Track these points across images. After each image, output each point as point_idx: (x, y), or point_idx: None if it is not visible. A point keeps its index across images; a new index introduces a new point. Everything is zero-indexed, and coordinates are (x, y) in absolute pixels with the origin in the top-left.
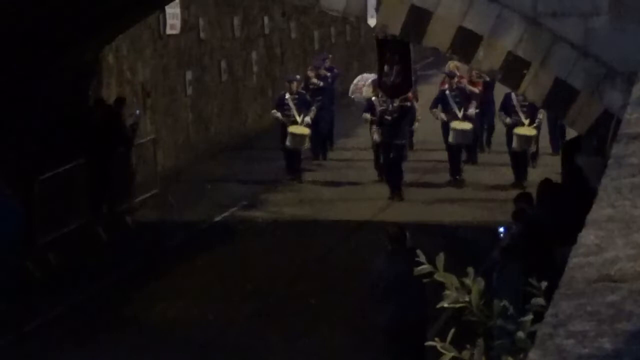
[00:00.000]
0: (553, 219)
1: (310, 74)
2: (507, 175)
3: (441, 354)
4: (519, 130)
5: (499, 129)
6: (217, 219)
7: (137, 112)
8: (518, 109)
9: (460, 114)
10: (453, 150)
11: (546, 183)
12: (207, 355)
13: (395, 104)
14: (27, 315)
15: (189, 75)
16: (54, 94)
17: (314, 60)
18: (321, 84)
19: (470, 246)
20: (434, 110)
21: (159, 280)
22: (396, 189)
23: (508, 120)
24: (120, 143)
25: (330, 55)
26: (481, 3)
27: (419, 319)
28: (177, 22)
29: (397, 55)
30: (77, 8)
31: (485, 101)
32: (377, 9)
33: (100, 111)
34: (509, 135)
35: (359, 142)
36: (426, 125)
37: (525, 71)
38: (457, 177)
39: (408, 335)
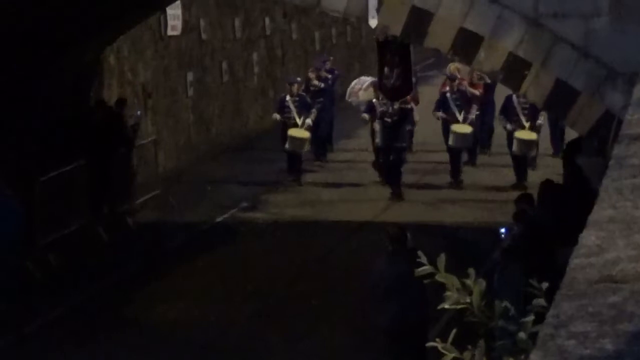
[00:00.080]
0: (554, 220)
1: (311, 75)
2: (507, 176)
3: (442, 355)
4: (520, 135)
5: (500, 131)
6: (218, 219)
7: (138, 112)
8: (519, 111)
9: (460, 117)
10: (453, 153)
11: (547, 184)
12: (208, 356)
13: (395, 107)
14: (27, 316)
15: (190, 76)
16: (54, 95)
17: (314, 62)
18: (322, 85)
19: (471, 247)
20: (437, 112)
21: (160, 281)
22: (396, 191)
23: (508, 126)
24: (121, 144)
25: (332, 57)
26: (482, 4)
27: (420, 320)
28: (178, 23)
29: (398, 58)
30: (77, 8)
31: (485, 103)
32: (378, 10)
33: (101, 112)
34: (510, 138)
35: (360, 144)
36: (426, 127)
37: (526, 72)
38: (457, 179)
39: (409, 336)
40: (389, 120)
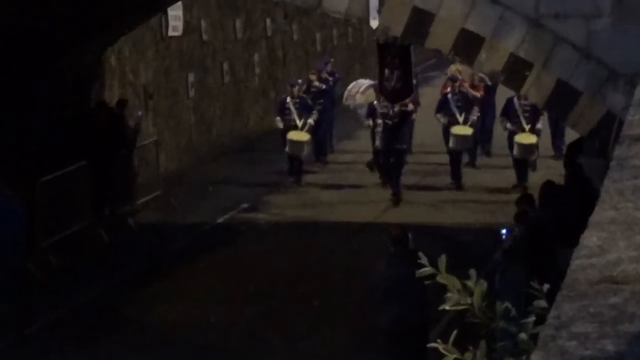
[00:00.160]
0: (555, 220)
1: (312, 77)
2: (508, 177)
3: (443, 356)
4: (520, 139)
5: (500, 133)
6: (219, 220)
7: (139, 113)
8: (520, 113)
9: (461, 119)
10: (453, 155)
11: (548, 185)
12: (209, 356)
13: (396, 109)
14: (28, 317)
15: (191, 77)
16: (55, 95)
17: (316, 64)
18: (323, 87)
19: (471, 248)
20: (439, 115)
21: (161, 282)
22: (395, 194)
23: (508, 125)
24: (122, 145)
25: (332, 59)
26: (483, 5)
27: (421, 321)
28: (180, 24)
29: (398, 60)
30: (78, 9)
31: (486, 105)
32: (379, 11)
33: (102, 113)
34: (510, 140)
35: (360, 145)
36: (426, 128)
37: (527, 73)
38: (458, 181)
39: (410, 337)
40: (389, 122)
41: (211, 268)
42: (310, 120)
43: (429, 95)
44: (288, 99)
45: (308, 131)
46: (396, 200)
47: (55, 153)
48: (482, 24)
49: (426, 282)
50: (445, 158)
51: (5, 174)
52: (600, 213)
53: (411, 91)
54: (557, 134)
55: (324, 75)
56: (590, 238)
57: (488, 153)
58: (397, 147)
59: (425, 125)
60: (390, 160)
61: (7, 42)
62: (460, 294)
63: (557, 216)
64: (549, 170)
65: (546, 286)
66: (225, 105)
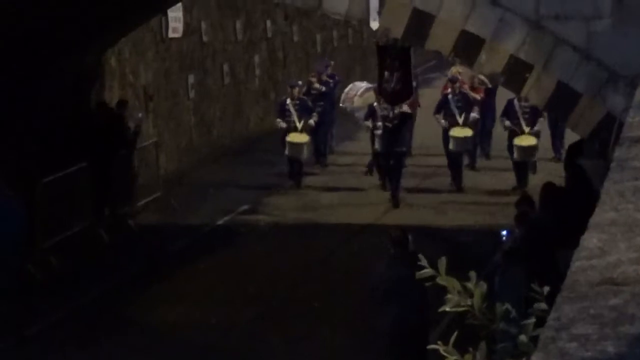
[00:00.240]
0: (556, 222)
1: (313, 79)
2: (507, 179)
3: (443, 358)
4: (520, 142)
5: (500, 134)
6: (219, 222)
7: (140, 115)
8: (520, 115)
9: (460, 120)
10: (453, 157)
11: (549, 186)
12: (209, 357)
13: (396, 111)
14: (28, 318)
15: (191, 79)
16: (56, 96)
17: (316, 66)
18: (323, 89)
19: (471, 250)
20: (438, 115)
21: (161, 283)
22: (394, 197)
23: (507, 123)
24: (122, 146)
25: (332, 62)
26: (483, 6)
27: (421, 322)
28: (180, 26)
29: (398, 62)
30: (78, 9)
31: (486, 108)
32: (379, 13)
33: (102, 114)
34: (510, 144)
35: (360, 147)
36: (426, 130)
37: (527, 74)
38: (459, 183)
39: (410, 338)
40: (389, 124)
41: (211, 269)
42: (311, 122)
43: (429, 96)
44: (288, 101)
45: (308, 133)
46: (395, 202)
47: (55, 154)
48: (482, 26)
49: (426, 284)
50: (445, 160)
51: (5, 174)
52: (601, 214)
53: (411, 93)
54: (556, 135)
55: (324, 77)
56: (590, 239)
57: (487, 155)
58: (397, 150)
59: (425, 127)
60: (390, 162)
61: (7, 42)
62: (461, 296)
63: (558, 218)
64: (549, 172)
65: (546, 288)
66: (226, 107)
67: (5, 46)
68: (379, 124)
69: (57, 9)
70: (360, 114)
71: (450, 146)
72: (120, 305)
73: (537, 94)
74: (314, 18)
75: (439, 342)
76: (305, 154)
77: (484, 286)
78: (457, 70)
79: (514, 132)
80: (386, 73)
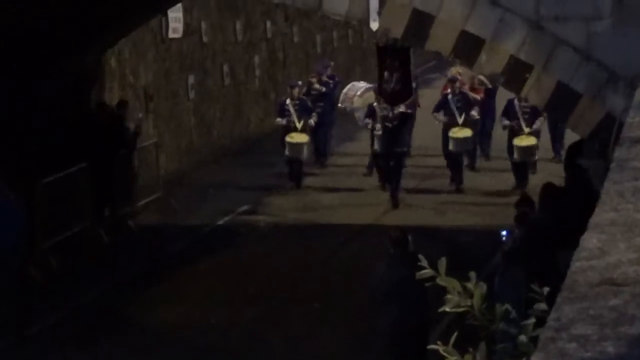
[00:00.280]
0: (555, 222)
1: (313, 79)
2: (507, 180)
3: (443, 358)
4: (519, 142)
5: (500, 135)
6: (220, 222)
7: (140, 115)
8: (520, 115)
9: (460, 120)
10: (453, 158)
11: (549, 187)
12: (209, 358)
13: (395, 111)
14: (28, 318)
15: (191, 79)
16: (56, 97)
17: (316, 67)
18: (323, 89)
19: (471, 251)
20: (436, 114)
21: (161, 283)
22: (394, 198)
23: (507, 122)
24: (122, 146)
25: (332, 63)
26: (483, 7)
27: (421, 323)
28: (180, 26)
29: (397, 62)
30: (78, 9)
31: (486, 108)
32: (379, 13)
33: (102, 114)
34: (510, 145)
35: (360, 148)
36: (425, 131)
37: (527, 75)
38: (459, 184)
39: (410, 339)
40: (389, 124)
41: (211, 270)
42: (311, 122)
43: (429, 97)
44: (288, 101)
45: (307, 133)
46: (395, 203)
47: (55, 154)
48: (482, 26)
49: (426, 284)
50: (445, 161)
51: (5, 174)
52: (601, 215)
53: (410, 93)
54: (556, 136)
55: (324, 78)
56: (590, 240)
57: (487, 156)
58: (397, 150)
59: (425, 128)
60: (389, 163)
61: (7, 42)
62: (460, 296)
63: (557, 218)
64: (549, 172)
65: (546, 289)
66: (226, 107)
67: (5, 46)
68: (378, 125)
69: (57, 9)
70: (360, 114)
71: (450, 147)
72: (120, 306)
73: (537, 95)
74: (314, 19)
75: (438, 343)
76: (305, 154)
77: (483, 287)
78: (457, 70)
79: (513, 133)
80: (386, 73)
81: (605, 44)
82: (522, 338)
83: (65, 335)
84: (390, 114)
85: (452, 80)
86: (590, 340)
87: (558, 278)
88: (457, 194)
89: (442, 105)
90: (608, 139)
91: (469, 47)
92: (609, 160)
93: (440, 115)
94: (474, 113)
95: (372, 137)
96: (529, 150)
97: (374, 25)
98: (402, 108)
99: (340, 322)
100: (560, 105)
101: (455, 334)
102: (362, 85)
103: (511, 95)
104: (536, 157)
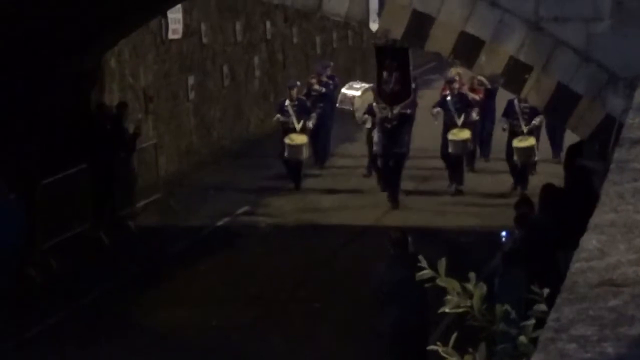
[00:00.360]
0: (555, 223)
1: (312, 80)
2: (506, 181)
3: (443, 359)
4: (518, 143)
5: (499, 138)
6: (219, 224)
7: (139, 117)
8: (519, 115)
9: (459, 121)
10: (453, 159)
11: (548, 188)
12: (210, 359)
13: (395, 111)
14: (28, 319)
15: (191, 80)
16: (55, 98)
17: (316, 67)
18: (323, 90)
19: (471, 252)
20: (435, 110)
21: (162, 284)
22: (393, 198)
23: (505, 125)
24: (122, 148)
25: (332, 63)
26: (483, 8)
27: (421, 324)
28: (179, 27)
29: (396, 63)
30: (78, 10)
31: (486, 109)
32: (379, 14)
33: (102, 116)
34: (509, 146)
35: (360, 149)
36: (425, 132)
37: (527, 76)
38: (459, 184)
39: (410, 339)
40: (388, 125)
41: (211, 271)
42: (309, 124)
43: (429, 98)
44: (287, 102)
45: (306, 134)
46: (395, 204)
47: (55, 155)
48: (481, 27)
49: (426, 285)
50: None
51: (5, 175)
52: (600, 216)
53: (409, 94)
54: (555, 137)
55: (324, 78)
56: (590, 241)
57: (487, 157)
58: (396, 151)
59: (425, 129)
60: (389, 164)
61: (7, 42)
62: (460, 297)
63: (557, 219)
64: (549, 173)
65: (546, 290)
66: (226, 108)
67: (5, 46)
68: (375, 130)
69: (57, 9)
70: (360, 114)
71: (449, 149)
72: (121, 307)
73: (537, 96)
74: (313, 20)
75: (438, 343)
76: (305, 155)
77: (483, 287)
78: (456, 71)
79: (513, 134)
80: (384, 74)
81: (605, 45)
82: (522, 339)
83: (65, 336)
84: (389, 115)
85: (450, 82)
86: (590, 341)
87: (558, 279)
88: (457, 195)
89: (441, 106)
90: (608, 140)
91: (468, 48)
92: (608, 162)
93: (438, 114)
94: (474, 114)
95: (369, 138)
96: (528, 151)
97: (374, 26)
98: (401, 108)
99: (340, 323)
100: (560, 107)
101: (455, 334)
102: (358, 85)
103: (511, 96)
104: (536, 158)
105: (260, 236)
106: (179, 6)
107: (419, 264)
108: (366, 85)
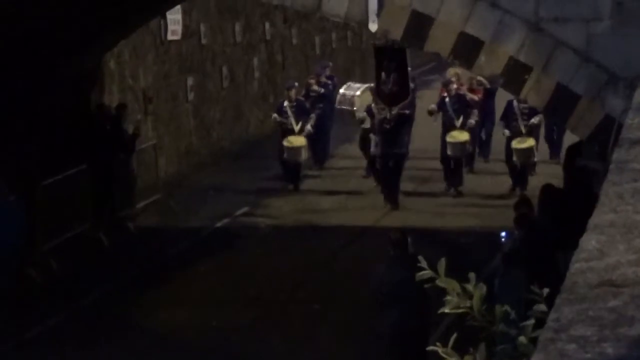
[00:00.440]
0: (555, 224)
1: (311, 81)
2: (506, 182)
3: (443, 359)
4: (517, 144)
5: (499, 138)
6: (219, 224)
7: (139, 117)
8: (519, 117)
9: (458, 123)
10: (452, 160)
11: (548, 188)
12: None
13: (393, 112)
14: (28, 320)
15: (190, 81)
16: (55, 99)
17: (315, 68)
18: (322, 91)
19: (471, 252)
20: (431, 106)
21: (161, 285)
22: (393, 199)
23: (507, 132)
24: (121, 149)
25: (331, 64)
26: (483, 9)
27: (420, 324)
28: (179, 28)
29: (394, 63)
30: (78, 10)
31: (485, 109)
32: (378, 15)
33: (101, 117)
34: (508, 148)
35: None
36: (424, 132)
37: (526, 76)
38: (458, 185)
39: (410, 340)
40: (387, 126)
41: (211, 272)
42: (308, 126)
43: (428, 98)
44: (286, 103)
45: (305, 135)
46: (394, 205)
47: (55, 156)
48: (481, 28)
49: (426, 286)
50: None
51: (5, 176)
52: (600, 216)
53: (408, 94)
54: (553, 138)
55: (323, 79)
56: (589, 241)
57: (487, 158)
58: (396, 152)
59: (424, 130)
60: (388, 165)
61: (7, 42)
62: (460, 297)
63: (557, 219)
64: (548, 174)
65: (546, 290)
66: (225, 109)
67: (5, 46)
68: (377, 126)
69: (57, 9)
70: (361, 114)
71: (448, 151)
72: (120, 308)
73: (537, 96)
74: (313, 20)
75: (438, 344)
76: (303, 157)
77: (483, 288)
78: (455, 71)
79: (512, 135)
80: (383, 75)
81: (604, 46)
82: (522, 339)
83: (65, 337)
84: (388, 115)
85: (446, 84)
86: (589, 342)
87: (557, 279)
88: (457, 196)
89: (440, 108)
90: (607, 141)
91: (468, 49)
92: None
93: (432, 107)
94: (472, 121)
95: (363, 139)
96: (527, 152)
97: (373, 27)
98: (399, 109)
99: (340, 324)
100: (560, 107)
101: (455, 335)
102: (356, 86)
103: (511, 96)
104: (535, 159)
105: (259, 237)
106: (178, 7)
107: (418, 265)
108: (364, 86)
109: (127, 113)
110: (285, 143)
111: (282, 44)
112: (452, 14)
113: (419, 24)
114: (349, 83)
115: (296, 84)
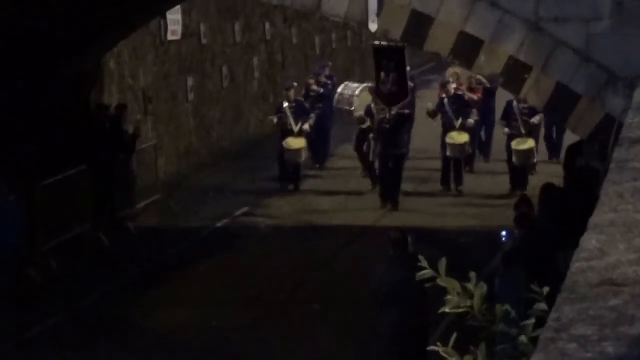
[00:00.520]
0: (555, 223)
1: (311, 81)
2: (506, 182)
3: (444, 359)
4: (517, 145)
5: (499, 138)
6: (219, 225)
7: (139, 118)
8: (518, 117)
9: (457, 124)
10: (452, 161)
11: (548, 188)
12: None
13: (393, 112)
14: (28, 321)
15: (190, 81)
16: (55, 99)
17: (314, 68)
18: (321, 91)
19: (471, 252)
20: (429, 104)
21: (161, 286)
22: (394, 200)
23: (507, 130)
24: (121, 149)
25: (330, 64)
26: (483, 8)
27: (421, 324)
28: (179, 28)
29: (393, 63)
30: (78, 11)
31: (486, 109)
32: (378, 15)
33: (101, 117)
34: (509, 148)
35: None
36: (424, 133)
37: (526, 76)
38: (459, 185)
39: (410, 340)
40: (386, 126)
41: (211, 272)
42: (306, 126)
43: (427, 98)
44: (285, 104)
45: (305, 136)
46: (395, 205)
47: (55, 156)
48: (481, 28)
49: (426, 285)
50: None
51: (5, 176)
52: (600, 215)
53: (407, 94)
54: (551, 135)
55: (323, 79)
56: (590, 241)
57: (487, 158)
58: (396, 152)
59: (424, 130)
60: (388, 165)
61: (7, 42)
62: (461, 297)
63: (557, 219)
64: (548, 173)
65: (546, 289)
66: (225, 110)
67: (5, 46)
68: (376, 126)
69: (57, 9)
70: (359, 114)
71: (447, 152)
72: (120, 308)
73: (537, 96)
74: (312, 20)
75: (439, 344)
76: (303, 158)
77: (484, 287)
78: (455, 71)
79: (512, 136)
80: (382, 74)
81: (604, 45)
82: (522, 339)
83: (65, 337)
84: (388, 116)
85: (444, 85)
86: (590, 341)
87: (558, 279)
88: (457, 196)
89: (439, 109)
90: (607, 140)
91: (468, 49)
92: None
93: (430, 105)
94: (471, 121)
95: (359, 139)
96: (527, 153)
97: (373, 27)
98: (399, 109)
99: (340, 324)
100: (560, 107)
101: (455, 335)
102: (355, 85)
103: (511, 96)
104: (535, 160)
105: (259, 237)
106: (178, 7)
107: (419, 264)
108: (362, 85)
109: (127, 113)
110: (284, 145)
111: (282, 44)
112: (452, 13)
113: (419, 23)
114: (346, 83)
115: (295, 84)
